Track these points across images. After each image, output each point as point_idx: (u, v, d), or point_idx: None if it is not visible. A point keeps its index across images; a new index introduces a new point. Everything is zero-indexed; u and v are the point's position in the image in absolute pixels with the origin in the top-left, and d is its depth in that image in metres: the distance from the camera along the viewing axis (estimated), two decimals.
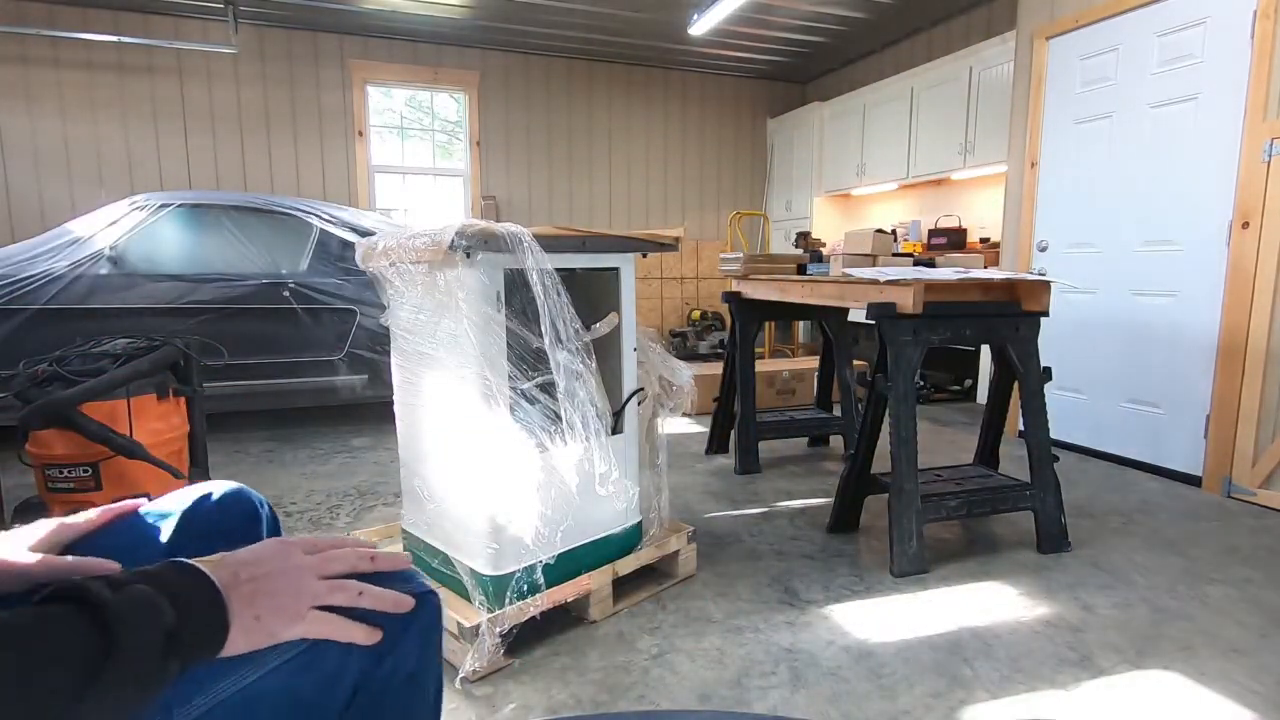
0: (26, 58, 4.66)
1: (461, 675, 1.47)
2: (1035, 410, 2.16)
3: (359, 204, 5.46)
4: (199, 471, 2.71)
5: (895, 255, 3.14)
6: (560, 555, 1.64)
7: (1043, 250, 3.46)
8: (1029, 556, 2.13)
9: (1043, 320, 2.17)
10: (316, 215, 3.60)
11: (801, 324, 6.12)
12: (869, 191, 5.71)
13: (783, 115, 6.43)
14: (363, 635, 0.59)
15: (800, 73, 6.41)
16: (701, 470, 3.02)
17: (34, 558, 0.60)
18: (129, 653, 0.44)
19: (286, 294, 3.38)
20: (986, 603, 1.83)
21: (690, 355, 5.83)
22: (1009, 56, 3.90)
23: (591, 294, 1.86)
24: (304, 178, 5.37)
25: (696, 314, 6.39)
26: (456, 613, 1.49)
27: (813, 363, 3.92)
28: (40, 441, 2.28)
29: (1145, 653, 1.60)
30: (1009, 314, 2.13)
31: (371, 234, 2.10)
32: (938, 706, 1.40)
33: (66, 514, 0.71)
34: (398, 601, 0.61)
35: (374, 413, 3.85)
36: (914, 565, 1.99)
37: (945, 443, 3.50)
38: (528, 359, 1.55)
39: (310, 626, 0.57)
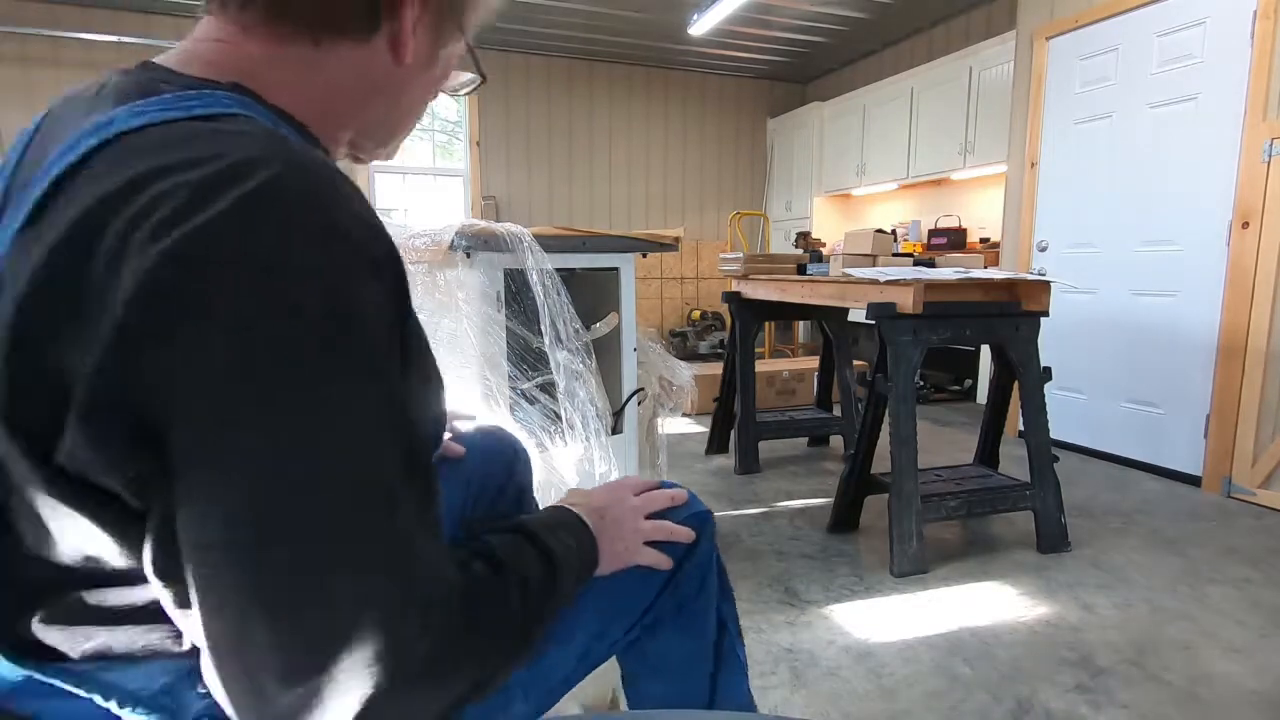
0: (26, 58, 4.67)
1: None
2: (1035, 410, 2.16)
3: None
4: None
5: (895, 255, 3.14)
6: None
7: (1043, 250, 3.46)
8: (1029, 556, 2.13)
9: (1043, 320, 2.17)
10: None
11: (801, 324, 6.12)
12: (869, 191, 5.71)
13: (783, 115, 6.43)
14: (666, 562, 0.73)
15: (800, 73, 6.41)
16: (701, 470, 3.02)
17: None
18: (562, 586, 0.58)
19: None
20: (986, 603, 1.83)
21: (690, 355, 5.83)
22: (1009, 56, 3.90)
23: (591, 294, 1.86)
24: None
25: (696, 314, 6.40)
26: None
27: (813, 363, 3.92)
28: None
29: (1145, 652, 1.60)
30: (1009, 314, 2.13)
31: None
32: (938, 706, 1.40)
33: None
34: (688, 535, 0.74)
35: None
36: (914, 565, 1.99)
37: (945, 443, 3.50)
38: (528, 359, 1.55)
39: (641, 556, 0.71)
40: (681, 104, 6.40)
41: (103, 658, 0.47)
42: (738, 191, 6.70)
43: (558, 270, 1.51)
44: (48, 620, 0.46)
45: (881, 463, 2.13)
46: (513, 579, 0.52)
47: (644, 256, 1.86)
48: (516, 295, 1.56)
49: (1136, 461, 3.06)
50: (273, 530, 0.37)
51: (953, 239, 4.72)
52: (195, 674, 0.45)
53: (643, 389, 1.88)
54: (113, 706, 0.46)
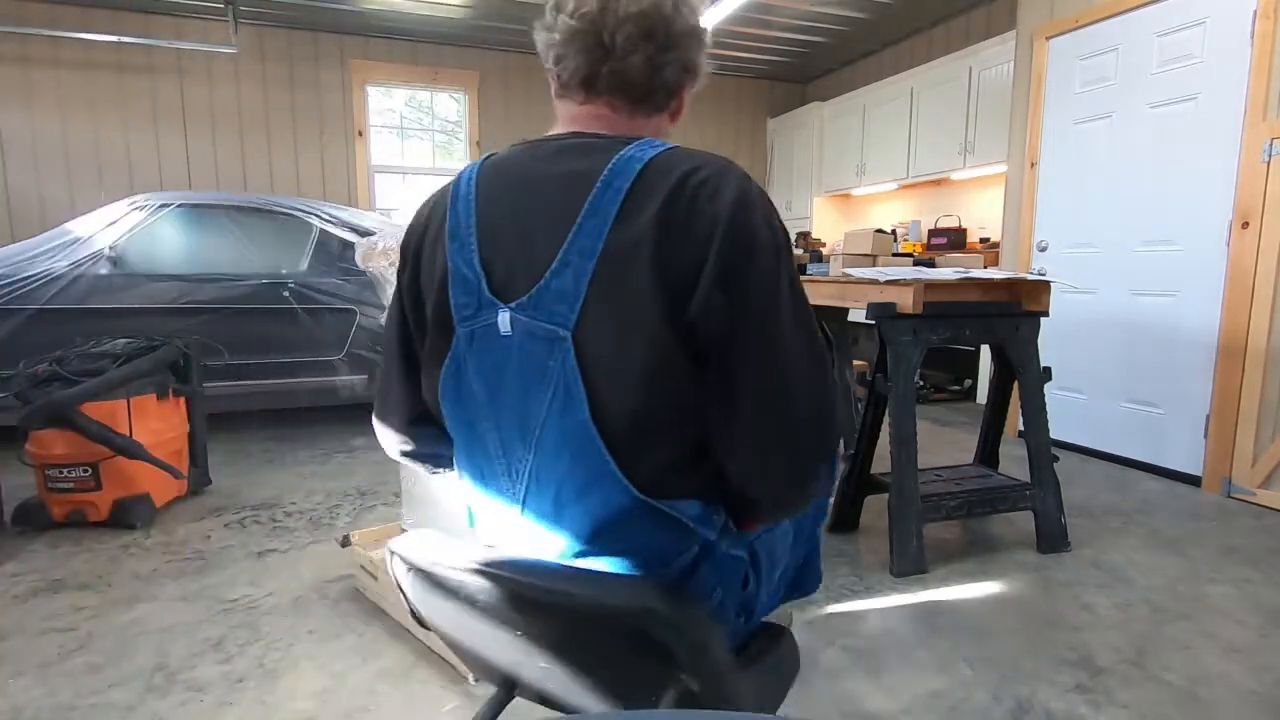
0: (26, 58, 4.67)
1: (461, 675, 1.47)
2: (1035, 410, 2.16)
3: (359, 204, 5.46)
4: (199, 471, 2.71)
5: (895, 255, 3.14)
6: None
7: (1043, 250, 3.46)
8: (1029, 556, 2.13)
9: (1043, 320, 2.17)
10: (316, 215, 3.60)
11: None
12: (869, 191, 5.71)
13: (783, 115, 6.43)
14: None
15: (800, 73, 6.41)
16: None
17: None
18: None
19: (286, 294, 3.38)
20: (986, 603, 1.83)
21: None
22: (1009, 56, 3.90)
23: None
24: (304, 178, 5.37)
25: None
26: None
27: None
28: (40, 441, 2.29)
29: (1145, 653, 1.60)
30: (1009, 314, 2.13)
31: (371, 234, 2.11)
32: (938, 706, 1.40)
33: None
34: None
35: None
36: (914, 565, 1.99)
37: (945, 443, 3.50)
38: None
39: None
40: None
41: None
42: None
43: None
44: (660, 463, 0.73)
45: (881, 463, 2.13)
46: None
47: None
48: None
49: (1136, 461, 3.06)
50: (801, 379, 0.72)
51: (953, 239, 4.72)
52: (712, 503, 0.77)
53: None
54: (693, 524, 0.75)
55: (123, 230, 3.25)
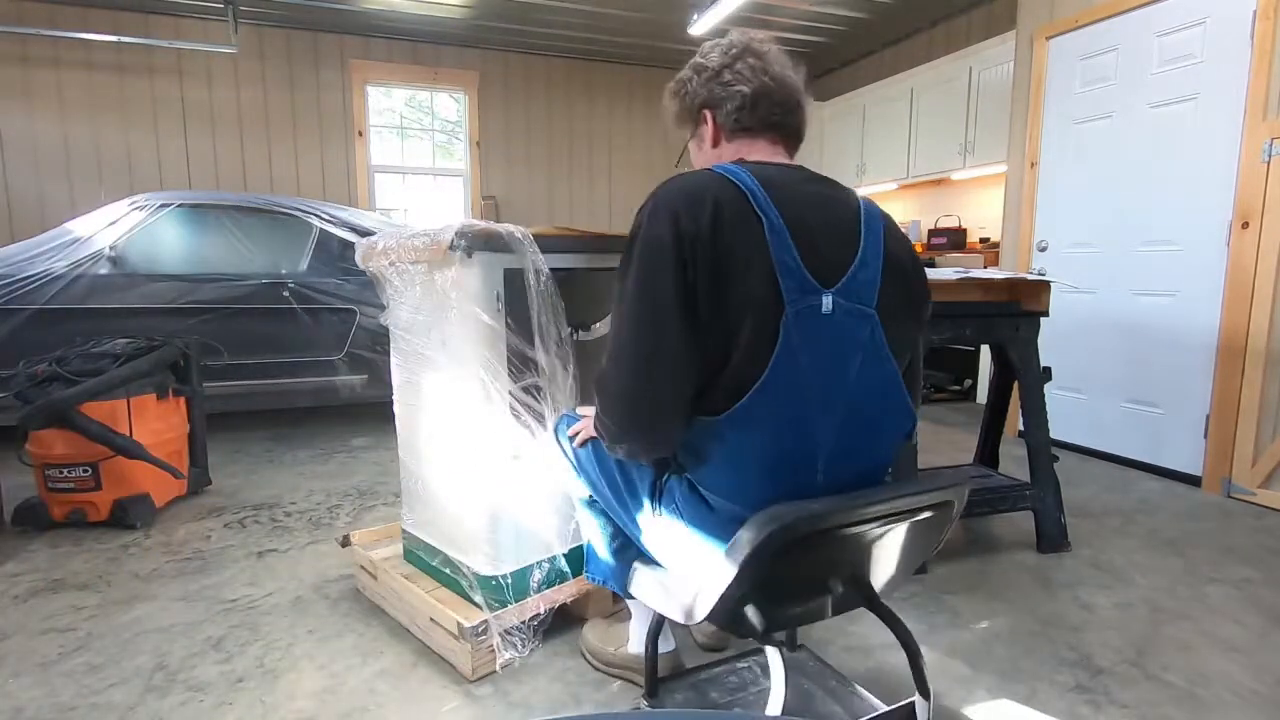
0: (26, 58, 4.67)
1: (462, 675, 1.48)
2: (1035, 410, 2.16)
3: (359, 204, 5.46)
4: (199, 471, 2.71)
5: None
6: (560, 556, 1.64)
7: (1043, 250, 3.46)
8: (1029, 556, 2.13)
9: (1043, 320, 2.17)
10: (316, 215, 3.60)
11: None
12: (869, 191, 5.70)
13: None
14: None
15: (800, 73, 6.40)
16: None
17: None
18: None
19: (286, 294, 3.38)
20: (986, 603, 1.83)
21: None
22: (1009, 56, 3.90)
23: (591, 294, 1.86)
24: (304, 178, 5.37)
25: None
26: (457, 613, 1.49)
27: None
28: (40, 441, 2.29)
29: (1145, 653, 1.60)
30: (1009, 314, 2.13)
31: (371, 234, 2.10)
32: (937, 706, 1.40)
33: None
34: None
35: (374, 413, 3.85)
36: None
37: (945, 443, 3.50)
38: (513, 361, 1.54)
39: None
40: None
41: None
42: None
43: (558, 270, 1.50)
44: None
45: None
46: None
47: None
48: (514, 296, 1.56)
49: (1136, 461, 3.06)
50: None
51: (953, 239, 4.72)
52: None
53: None
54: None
55: (123, 230, 3.25)
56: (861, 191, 5.97)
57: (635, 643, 1.44)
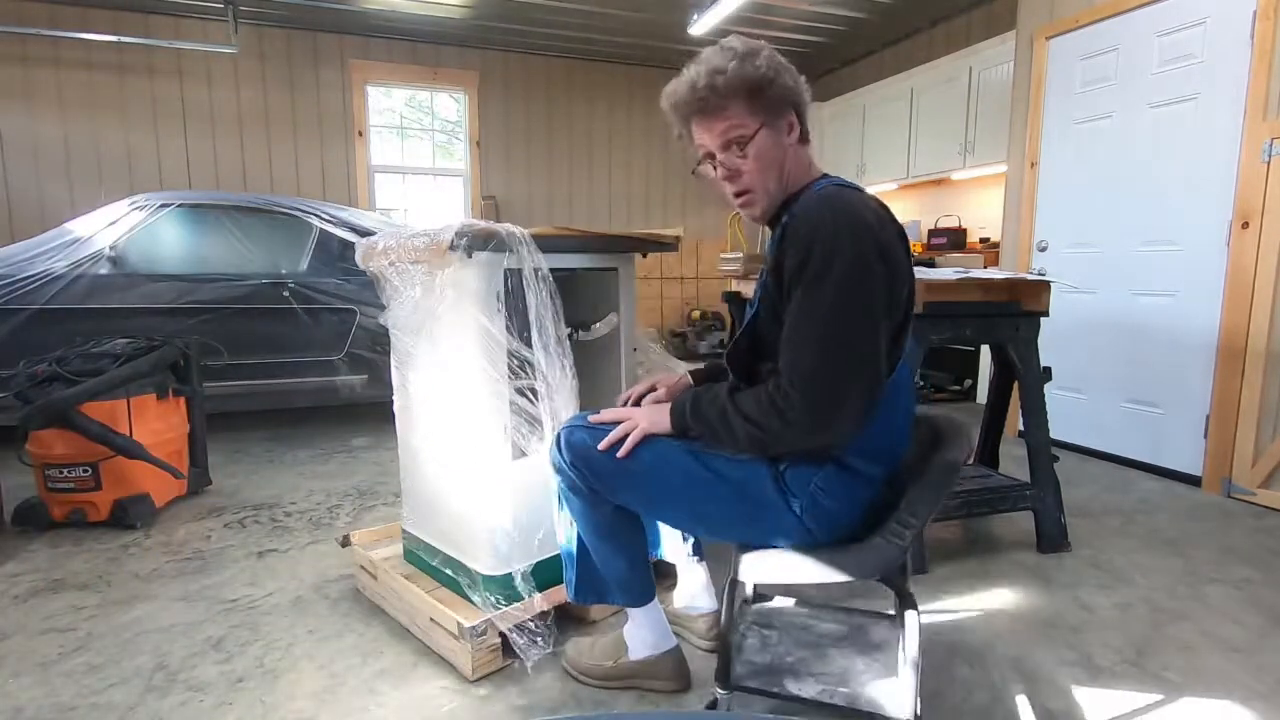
0: (26, 58, 4.67)
1: (462, 675, 1.47)
2: (1035, 410, 2.16)
3: (359, 204, 5.46)
4: (199, 471, 2.71)
5: None
6: (561, 555, 1.63)
7: (1043, 250, 3.46)
8: (1029, 556, 2.13)
9: (1043, 320, 2.17)
10: (316, 215, 3.60)
11: None
12: (869, 191, 5.70)
13: None
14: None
15: (800, 73, 6.40)
16: None
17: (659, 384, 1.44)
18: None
19: (286, 294, 3.38)
20: (986, 603, 1.83)
21: (690, 355, 5.83)
22: (1009, 56, 3.90)
23: (591, 294, 1.86)
24: (304, 178, 5.37)
25: (696, 314, 6.40)
26: (457, 613, 1.49)
27: None
28: (40, 441, 2.29)
29: (1145, 653, 1.60)
30: (1009, 314, 2.13)
31: (371, 234, 2.10)
32: (938, 706, 1.40)
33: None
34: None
35: (374, 413, 3.85)
36: (914, 565, 1.99)
37: None
38: (511, 362, 1.54)
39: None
40: None
41: None
42: None
43: (557, 270, 1.50)
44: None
45: None
46: None
47: (644, 256, 1.86)
48: (514, 296, 1.56)
49: (1136, 461, 3.06)
50: None
51: (953, 239, 4.72)
52: None
53: None
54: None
55: (123, 230, 3.25)
56: None
57: (637, 648, 1.43)
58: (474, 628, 1.44)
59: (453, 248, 1.42)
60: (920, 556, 2.00)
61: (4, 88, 4.64)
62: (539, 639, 1.49)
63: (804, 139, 1.20)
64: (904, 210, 5.52)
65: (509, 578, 1.54)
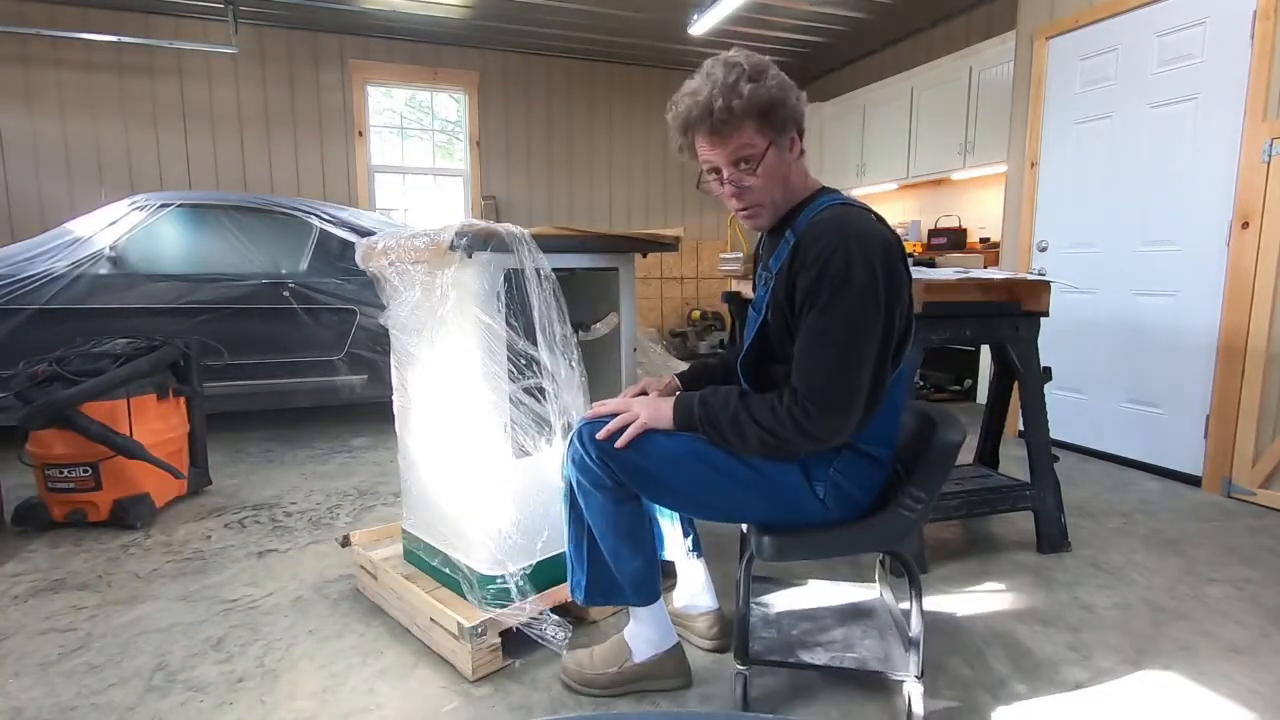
0: (26, 58, 4.67)
1: (462, 675, 1.47)
2: (1035, 410, 2.16)
3: (359, 204, 5.46)
4: (199, 471, 2.71)
5: None
6: (560, 556, 1.63)
7: (1043, 250, 3.46)
8: (1029, 556, 2.13)
9: (1043, 320, 2.17)
10: (316, 215, 3.60)
11: None
12: (869, 191, 5.71)
13: None
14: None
15: (800, 73, 6.40)
16: None
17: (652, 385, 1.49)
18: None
19: (286, 294, 3.38)
20: (986, 603, 1.83)
21: (690, 355, 5.83)
22: (1009, 56, 3.90)
23: (591, 294, 1.86)
24: (304, 178, 5.37)
25: (696, 314, 6.40)
26: (457, 613, 1.49)
27: None
28: (40, 441, 2.29)
29: (1145, 653, 1.60)
30: (1009, 314, 2.13)
31: (371, 234, 2.10)
32: (937, 706, 1.40)
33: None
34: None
35: (374, 413, 3.85)
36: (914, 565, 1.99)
37: None
38: (515, 362, 1.55)
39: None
40: None
41: None
42: None
43: (557, 270, 1.50)
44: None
45: None
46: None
47: (644, 256, 1.86)
48: (514, 296, 1.56)
49: (1136, 461, 3.06)
50: None
51: (953, 239, 4.72)
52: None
53: None
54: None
55: (123, 230, 3.25)
56: (861, 192, 5.95)
57: (641, 649, 1.42)
58: (474, 628, 1.44)
59: (453, 248, 1.42)
60: (920, 556, 2.00)
61: (4, 88, 4.64)
62: (560, 630, 1.49)
63: (801, 154, 1.27)
64: (904, 210, 5.52)
65: (509, 578, 1.54)
